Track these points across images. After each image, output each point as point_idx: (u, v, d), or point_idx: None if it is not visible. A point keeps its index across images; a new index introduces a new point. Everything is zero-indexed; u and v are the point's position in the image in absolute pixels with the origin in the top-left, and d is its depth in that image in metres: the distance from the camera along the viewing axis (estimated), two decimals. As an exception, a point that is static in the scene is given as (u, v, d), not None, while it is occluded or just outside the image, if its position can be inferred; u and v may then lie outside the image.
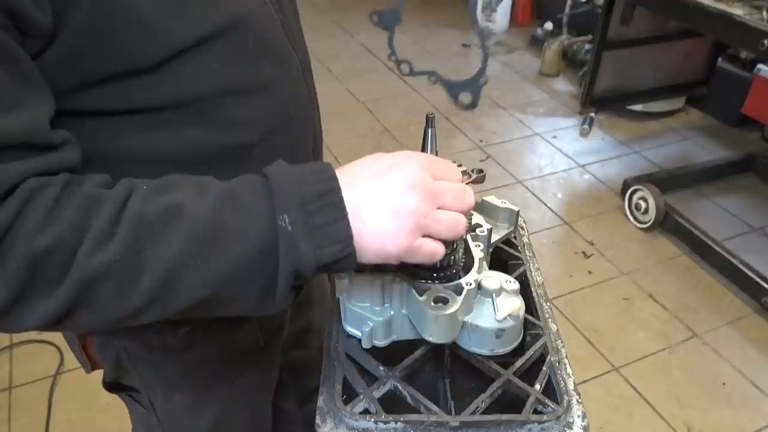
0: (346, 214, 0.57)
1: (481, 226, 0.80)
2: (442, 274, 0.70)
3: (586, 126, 3.36)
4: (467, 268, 0.72)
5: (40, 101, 0.56)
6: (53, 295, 0.52)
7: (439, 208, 0.60)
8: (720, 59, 3.37)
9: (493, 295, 0.70)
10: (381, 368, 0.71)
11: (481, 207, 0.84)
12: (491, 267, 0.76)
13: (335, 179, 0.58)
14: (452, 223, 0.61)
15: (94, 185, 0.56)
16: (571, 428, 0.66)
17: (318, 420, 0.67)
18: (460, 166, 0.90)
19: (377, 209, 0.58)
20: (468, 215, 0.73)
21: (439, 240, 0.61)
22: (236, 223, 0.55)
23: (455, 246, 0.71)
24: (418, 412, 0.67)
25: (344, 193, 0.57)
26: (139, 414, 1.00)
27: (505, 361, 0.72)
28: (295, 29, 0.81)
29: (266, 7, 0.74)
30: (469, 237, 0.76)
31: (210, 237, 0.55)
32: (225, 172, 0.62)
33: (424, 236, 0.60)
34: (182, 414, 0.96)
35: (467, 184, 0.89)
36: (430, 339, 0.68)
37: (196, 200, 0.56)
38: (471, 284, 0.69)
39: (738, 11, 2.08)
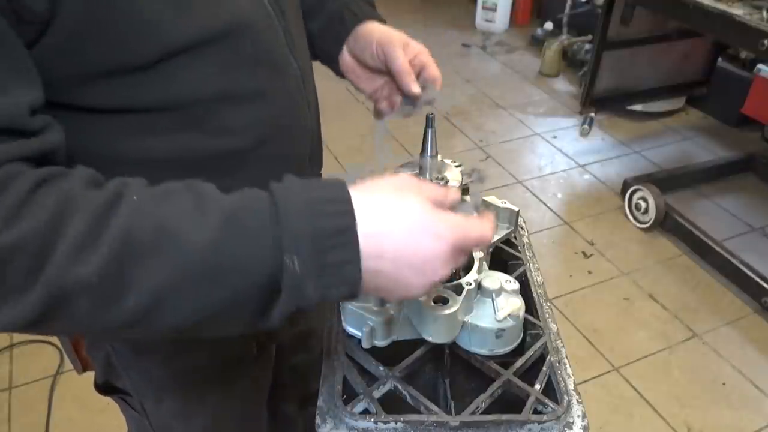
0: (360, 255, 0.52)
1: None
2: (442, 274, 0.70)
3: (586, 126, 3.36)
4: (467, 268, 0.72)
5: (22, 85, 0.53)
6: (20, 301, 0.47)
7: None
8: (720, 59, 3.37)
9: (493, 295, 0.70)
10: (381, 368, 0.71)
11: (481, 207, 0.84)
12: (491, 267, 0.76)
13: (352, 213, 0.52)
14: (463, 261, 0.59)
15: (77, 182, 0.50)
16: (571, 428, 0.66)
17: (318, 420, 0.67)
18: (459, 166, 0.91)
19: (398, 261, 0.54)
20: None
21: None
22: (237, 254, 0.50)
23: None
24: (418, 412, 0.67)
25: (360, 230, 0.52)
26: (131, 417, 0.99)
27: (505, 361, 0.72)
28: (297, 38, 0.81)
29: (268, 15, 0.73)
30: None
31: (207, 268, 0.50)
32: (217, 177, 0.59)
33: None
34: (173, 419, 0.95)
35: (467, 183, 0.90)
36: (430, 339, 0.68)
37: (194, 222, 0.50)
38: (471, 284, 0.69)
39: (738, 11, 2.08)
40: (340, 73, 0.94)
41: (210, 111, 0.68)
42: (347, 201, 0.53)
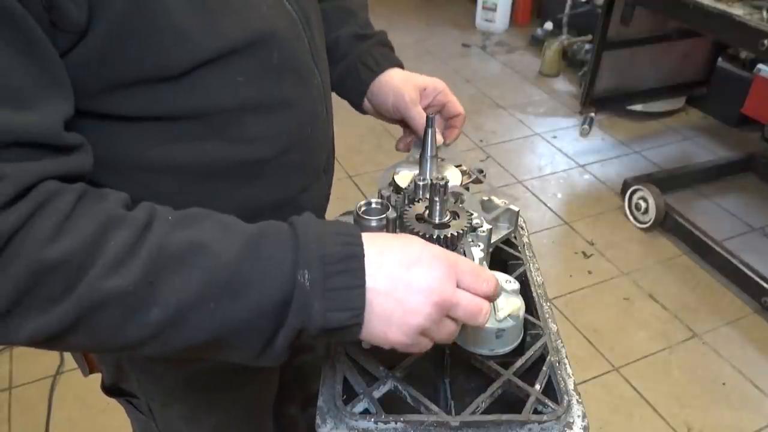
0: (365, 283, 0.55)
1: (481, 226, 0.80)
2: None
3: (586, 126, 3.36)
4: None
5: (59, 100, 0.54)
6: (51, 312, 0.48)
7: (448, 316, 0.59)
8: (720, 59, 3.37)
9: (493, 295, 0.69)
10: (381, 368, 0.71)
11: (481, 207, 0.84)
12: (491, 267, 0.76)
13: (361, 246, 0.56)
14: (450, 334, 0.61)
15: (114, 203, 0.54)
16: (571, 428, 0.66)
17: (318, 420, 0.67)
18: (459, 166, 0.91)
19: (392, 299, 0.56)
20: (468, 215, 0.73)
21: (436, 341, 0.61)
22: (258, 271, 0.53)
23: (455, 246, 0.71)
24: (418, 412, 0.67)
25: (367, 264, 0.56)
26: (137, 419, 1.00)
27: (505, 361, 0.72)
28: (320, 48, 0.82)
29: (294, 24, 0.74)
30: (469, 237, 0.76)
31: (230, 282, 0.52)
32: (236, 185, 0.62)
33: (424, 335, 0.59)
34: (181, 423, 0.95)
35: (467, 183, 0.90)
36: (430, 339, 0.68)
37: (221, 241, 0.53)
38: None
39: (738, 11, 2.08)
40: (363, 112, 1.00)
41: (235, 120, 0.68)
42: (357, 236, 0.57)
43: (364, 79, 0.94)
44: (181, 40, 0.59)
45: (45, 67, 0.52)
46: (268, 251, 0.54)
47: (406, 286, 0.57)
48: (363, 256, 0.56)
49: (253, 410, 1.04)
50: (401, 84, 0.92)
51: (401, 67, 0.96)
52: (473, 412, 0.67)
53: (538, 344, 0.74)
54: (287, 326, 0.54)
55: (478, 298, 0.59)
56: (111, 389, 0.95)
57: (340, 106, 0.97)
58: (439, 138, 0.89)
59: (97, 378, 1.03)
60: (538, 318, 0.78)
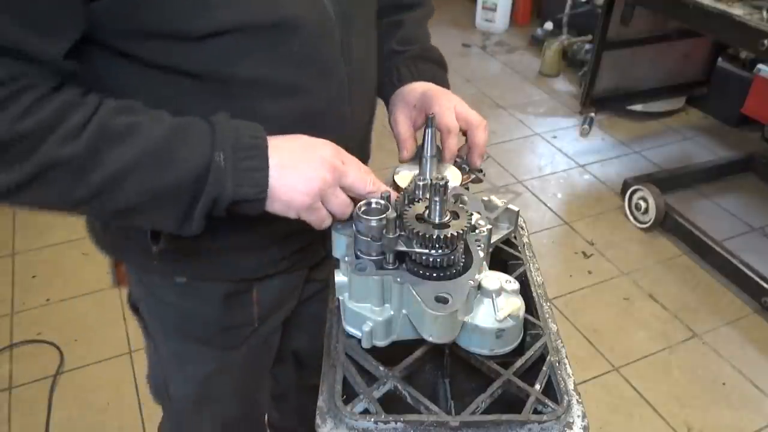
0: (268, 166, 0.70)
1: (482, 226, 0.80)
2: (442, 274, 0.70)
3: (586, 126, 3.36)
4: (467, 268, 0.72)
5: (68, 31, 0.64)
6: (15, 170, 0.62)
7: (342, 187, 0.74)
8: (720, 59, 3.37)
9: (493, 295, 0.69)
10: (381, 368, 0.70)
11: (482, 207, 0.84)
12: (491, 267, 0.76)
13: (265, 139, 0.71)
14: (343, 205, 0.74)
15: (73, 92, 0.66)
16: (571, 428, 0.66)
17: (318, 420, 0.67)
18: (460, 166, 0.91)
19: (294, 171, 0.71)
20: (468, 215, 0.73)
21: (332, 213, 0.75)
22: (182, 149, 0.67)
23: (455, 246, 0.71)
24: (418, 412, 0.67)
25: (270, 152, 0.70)
26: (147, 344, 1.08)
27: (505, 361, 0.72)
28: (356, 49, 0.84)
29: (326, 22, 0.77)
30: (469, 237, 0.76)
31: (159, 156, 0.66)
32: None
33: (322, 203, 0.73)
34: (174, 359, 1.05)
35: (467, 183, 0.90)
36: (430, 339, 0.68)
37: (153, 125, 0.67)
38: (471, 284, 0.69)
39: (738, 11, 2.08)
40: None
41: (246, 93, 0.75)
42: (262, 133, 0.71)
43: (386, 95, 0.99)
44: (201, 8, 0.67)
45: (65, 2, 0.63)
46: (192, 135, 0.68)
47: (303, 160, 0.72)
48: (267, 146, 0.70)
49: (243, 371, 1.08)
50: (399, 100, 0.95)
51: (429, 80, 0.97)
52: (473, 412, 0.67)
53: (538, 344, 0.74)
54: (205, 195, 0.68)
55: (363, 172, 0.75)
56: (131, 305, 1.05)
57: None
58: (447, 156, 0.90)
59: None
60: (538, 318, 0.78)
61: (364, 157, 0.95)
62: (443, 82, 0.98)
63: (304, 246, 0.96)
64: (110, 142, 0.65)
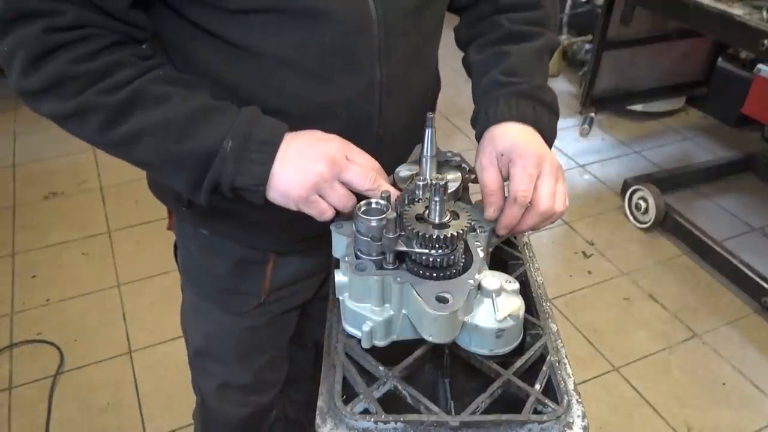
0: (272, 163, 0.75)
1: (482, 225, 0.80)
2: (442, 274, 0.70)
3: (586, 126, 3.36)
4: (467, 268, 0.72)
5: None
6: (63, 103, 0.73)
7: (342, 182, 0.75)
8: (720, 59, 3.37)
9: (493, 295, 0.69)
10: (381, 368, 0.70)
11: (480, 210, 0.84)
12: (491, 267, 0.76)
13: (281, 137, 0.75)
14: (342, 199, 0.76)
15: (132, 52, 0.76)
16: (571, 428, 0.66)
17: (318, 420, 0.67)
18: (459, 166, 0.91)
19: (293, 164, 0.75)
20: (469, 224, 0.73)
21: (332, 205, 0.76)
22: (201, 128, 0.74)
23: (455, 246, 0.71)
24: (418, 412, 0.67)
25: (282, 146, 0.75)
26: (182, 288, 1.17)
27: (505, 361, 0.72)
28: (395, 52, 0.84)
29: (365, 22, 0.79)
30: (469, 237, 0.76)
31: (178, 126, 0.74)
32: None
33: (321, 196, 0.75)
34: (191, 311, 1.16)
35: (468, 183, 0.90)
36: (430, 339, 0.68)
37: (186, 99, 0.75)
38: (471, 284, 0.69)
39: (738, 11, 2.08)
40: None
41: (273, 70, 0.80)
42: (281, 132, 0.76)
43: (478, 129, 0.88)
44: None
45: None
46: (215, 117, 0.75)
47: (305, 155, 0.74)
48: (279, 145, 0.75)
49: (243, 343, 1.13)
50: (488, 142, 0.84)
51: (530, 124, 0.85)
52: (473, 412, 0.67)
53: (538, 344, 0.74)
54: (211, 173, 0.74)
55: (365, 168, 0.76)
56: (174, 251, 1.13)
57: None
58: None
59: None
60: (538, 318, 0.78)
61: (396, 161, 0.90)
62: (547, 129, 0.86)
63: (324, 233, 0.94)
64: (142, 104, 0.73)
